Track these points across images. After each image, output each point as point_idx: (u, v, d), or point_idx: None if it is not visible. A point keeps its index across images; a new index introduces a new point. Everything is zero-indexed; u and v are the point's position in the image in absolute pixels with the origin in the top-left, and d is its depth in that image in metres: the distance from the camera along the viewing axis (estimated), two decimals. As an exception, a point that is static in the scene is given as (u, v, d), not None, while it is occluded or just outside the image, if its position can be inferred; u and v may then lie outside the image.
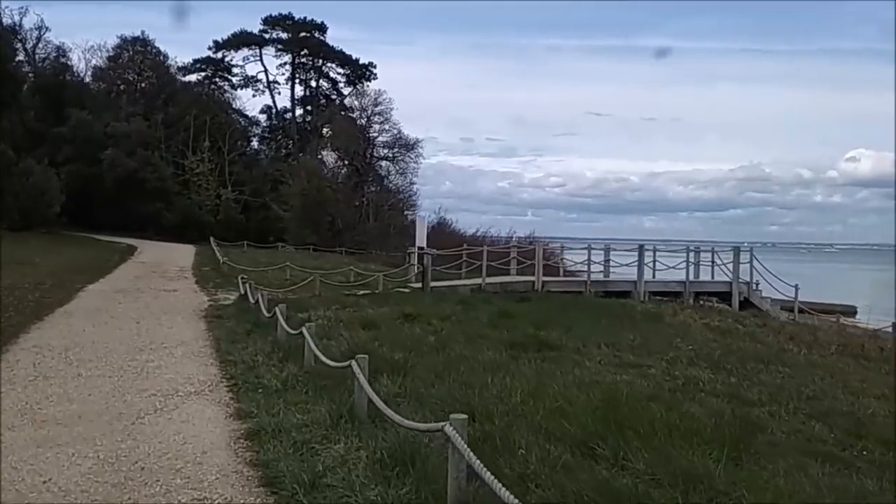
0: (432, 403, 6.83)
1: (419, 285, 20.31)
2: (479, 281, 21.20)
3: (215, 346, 10.44)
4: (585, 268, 25.10)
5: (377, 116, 51.47)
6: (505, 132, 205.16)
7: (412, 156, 52.08)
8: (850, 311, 29.26)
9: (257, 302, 12.62)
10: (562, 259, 24.24)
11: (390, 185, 53.08)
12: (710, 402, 7.63)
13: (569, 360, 9.98)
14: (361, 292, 18.62)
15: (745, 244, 36.45)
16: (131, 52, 56.49)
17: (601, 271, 23.46)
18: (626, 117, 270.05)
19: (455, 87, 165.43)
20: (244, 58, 61.59)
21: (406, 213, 53.06)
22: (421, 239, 25.79)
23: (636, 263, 22.62)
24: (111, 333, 11.38)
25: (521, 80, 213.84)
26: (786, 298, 24.10)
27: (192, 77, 60.38)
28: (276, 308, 10.22)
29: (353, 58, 61.43)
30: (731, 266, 23.90)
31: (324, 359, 7.20)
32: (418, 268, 20.91)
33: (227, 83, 62.34)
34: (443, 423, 4.14)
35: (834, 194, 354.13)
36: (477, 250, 23.17)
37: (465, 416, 4.19)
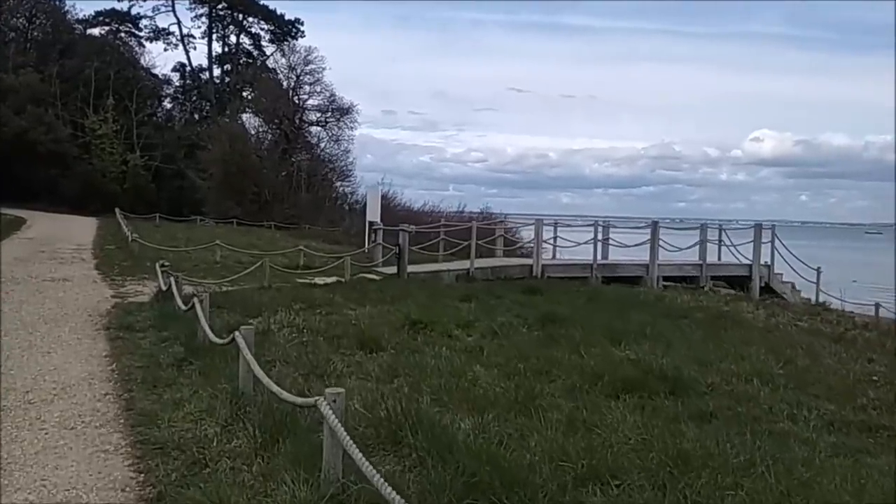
0: None
1: (390, 270, 15.99)
2: (463, 265, 16.99)
3: (124, 400, 5.90)
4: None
5: (308, 77, 46.22)
6: (427, 106, 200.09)
7: (347, 121, 47.07)
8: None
9: (191, 307, 8.06)
10: (555, 238, 20.05)
11: (322, 153, 48.00)
12: None
13: (741, 417, 5.92)
14: (321, 281, 14.18)
15: (655, 219, 33.51)
16: (21, -6, 49.18)
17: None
18: (546, 94, 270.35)
19: (377, 59, 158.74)
20: (154, 8, 54.72)
21: (337, 184, 48.28)
22: (374, 213, 21.87)
23: (647, 243, 18.82)
24: (-61, 370, 6.64)
25: (444, 53, 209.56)
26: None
27: (96, 31, 53.49)
28: (238, 334, 5.68)
29: (278, 13, 55.60)
30: (739, 248, 20.56)
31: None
32: (389, 249, 16.51)
33: (134, 38, 55.44)
34: None
35: (738, 172, 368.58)
36: (459, 227, 18.87)
37: None
